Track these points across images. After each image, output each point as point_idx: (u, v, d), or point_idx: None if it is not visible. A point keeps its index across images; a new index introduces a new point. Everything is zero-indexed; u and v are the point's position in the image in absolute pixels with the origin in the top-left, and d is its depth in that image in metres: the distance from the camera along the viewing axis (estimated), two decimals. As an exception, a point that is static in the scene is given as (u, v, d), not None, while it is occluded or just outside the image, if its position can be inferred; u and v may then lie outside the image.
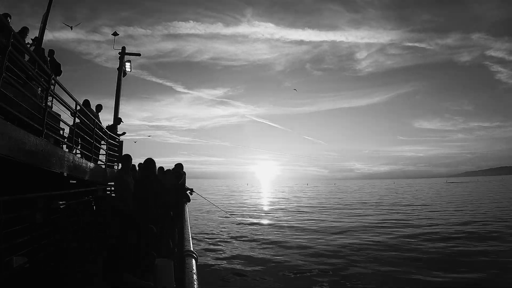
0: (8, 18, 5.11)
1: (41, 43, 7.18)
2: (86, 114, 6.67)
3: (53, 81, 4.89)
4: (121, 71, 12.02)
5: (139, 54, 12.80)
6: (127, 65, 12.25)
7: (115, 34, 12.16)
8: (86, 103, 7.70)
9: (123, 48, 12.30)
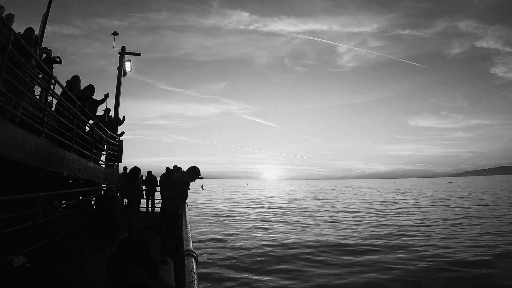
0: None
1: (41, 43, 7.19)
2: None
3: (53, 81, 4.89)
4: (121, 70, 12.01)
5: (139, 54, 12.78)
6: (127, 64, 12.24)
7: (115, 33, 12.15)
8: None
9: (123, 48, 12.28)
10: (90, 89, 6.79)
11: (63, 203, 6.26)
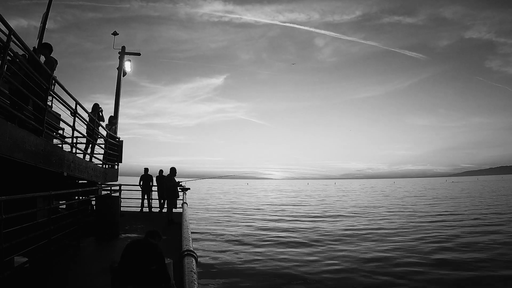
0: None
1: (41, 42, 7.18)
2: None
3: (53, 81, 4.89)
4: (121, 70, 12.00)
5: (139, 54, 12.77)
6: (127, 64, 12.22)
7: (114, 34, 12.15)
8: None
9: (123, 48, 12.27)
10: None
11: (63, 203, 6.26)
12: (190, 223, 3.99)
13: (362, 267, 7.82)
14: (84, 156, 6.73)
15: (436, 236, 11.61)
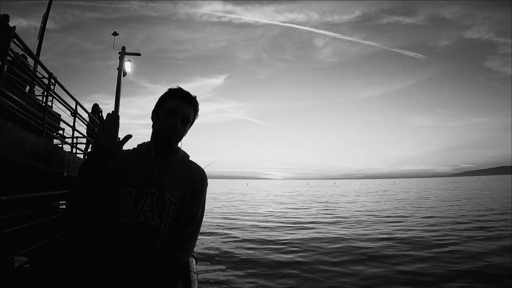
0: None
1: (41, 43, 7.20)
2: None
3: (53, 81, 4.89)
4: (121, 71, 12.02)
5: (139, 54, 12.78)
6: (127, 64, 12.23)
7: (115, 34, 12.16)
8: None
9: (123, 48, 12.29)
10: None
11: (63, 203, 6.26)
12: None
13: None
14: (84, 156, 6.74)
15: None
